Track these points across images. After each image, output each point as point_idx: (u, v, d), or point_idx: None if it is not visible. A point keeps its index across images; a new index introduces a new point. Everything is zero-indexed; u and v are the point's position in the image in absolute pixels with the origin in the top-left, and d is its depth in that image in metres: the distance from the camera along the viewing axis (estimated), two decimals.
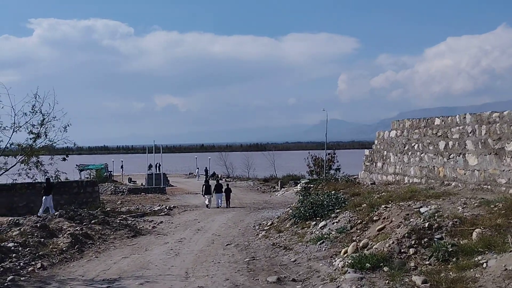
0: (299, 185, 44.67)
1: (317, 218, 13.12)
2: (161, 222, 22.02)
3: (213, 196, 31.29)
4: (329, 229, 11.78)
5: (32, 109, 25.62)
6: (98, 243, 14.64)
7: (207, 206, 30.28)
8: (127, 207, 29.20)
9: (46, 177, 25.89)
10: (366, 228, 10.96)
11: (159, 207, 27.34)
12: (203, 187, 32.16)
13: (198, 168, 64.75)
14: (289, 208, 18.93)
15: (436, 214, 9.45)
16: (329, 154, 47.25)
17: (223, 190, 32.16)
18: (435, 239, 8.46)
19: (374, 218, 11.00)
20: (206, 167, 65.44)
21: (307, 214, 13.42)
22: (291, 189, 43.79)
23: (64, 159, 27.66)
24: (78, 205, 24.28)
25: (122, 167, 75.41)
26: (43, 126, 27.06)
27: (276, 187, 49.56)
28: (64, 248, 12.99)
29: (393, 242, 8.51)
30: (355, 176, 17.73)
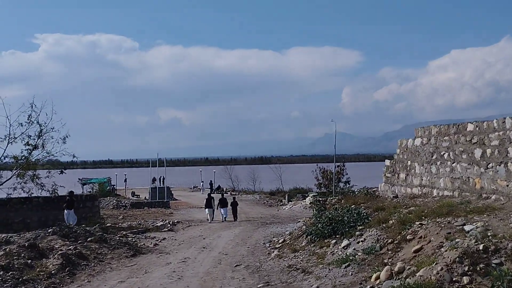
0: (307, 198, 43.20)
1: (337, 236, 11.64)
2: (164, 238, 20.53)
3: (218, 210, 30.79)
4: (354, 249, 10.26)
5: (28, 119, 24.48)
6: (93, 264, 13.15)
7: (208, 220, 29.62)
8: (129, 222, 27.77)
9: (70, 191, 24.86)
10: (398, 249, 9.44)
11: (162, 223, 25.83)
12: (205, 200, 31.40)
13: (202, 182, 63.31)
14: (302, 224, 17.43)
15: (489, 234, 7.96)
16: (338, 166, 45.70)
17: (230, 203, 31.52)
18: (493, 265, 6.98)
19: (408, 237, 9.48)
20: (211, 180, 64.00)
21: (325, 232, 11.91)
22: (299, 202, 42.27)
23: (61, 172, 26.38)
24: (77, 221, 22.94)
25: (125, 180, 74.09)
26: (40, 137, 25.89)
27: (283, 200, 48.03)
28: (53, 271, 11.50)
29: (441, 269, 6.99)
30: (374, 189, 16.22)
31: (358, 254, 9.88)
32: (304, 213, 36.80)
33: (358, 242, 10.67)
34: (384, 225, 10.96)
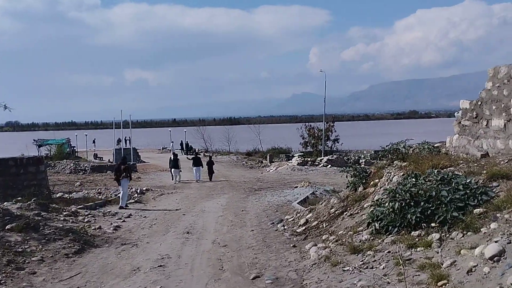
0: (293, 159, 38.49)
1: (432, 226, 6.66)
2: (129, 215, 15.21)
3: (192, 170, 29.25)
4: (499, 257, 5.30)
5: None
6: None
7: (173, 181, 27.92)
8: (86, 191, 22.27)
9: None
10: None
11: None
12: (170, 160, 29.57)
13: (172, 142, 57.65)
14: (331, 197, 12.33)
15: None
16: (327, 123, 40.85)
17: (206, 162, 29.91)
18: None
19: None
20: (181, 140, 58.55)
21: (411, 218, 6.88)
22: (284, 164, 37.45)
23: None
24: (16, 191, 17.42)
25: (94, 142, 68.16)
26: None
27: (264, 161, 43.21)
28: None
29: None
30: (437, 144, 11.15)
31: None
32: (293, 175, 32.05)
33: (489, 240, 5.67)
34: None
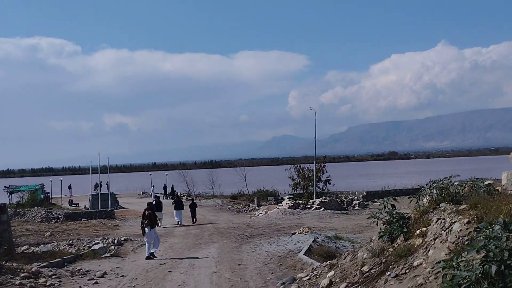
0: (284, 202, 36.11)
1: None
2: (104, 275, 12.60)
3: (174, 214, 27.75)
4: None
5: None
6: None
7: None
8: (55, 243, 19.51)
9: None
10: None
11: (102, 243, 17.72)
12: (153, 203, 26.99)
13: (153, 186, 54.77)
14: (356, 248, 10.04)
15: None
16: (318, 164, 38.75)
17: (189, 205, 28.84)
18: None
19: None
20: (165, 184, 55.82)
21: None
22: (273, 207, 35.02)
23: None
24: None
25: (70, 187, 65.01)
26: None
27: (251, 205, 40.72)
28: None
29: None
30: (488, 182, 9.05)
31: None
32: (285, 220, 29.63)
33: None
34: None
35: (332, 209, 33.10)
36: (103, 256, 15.69)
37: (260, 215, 32.93)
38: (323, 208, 32.84)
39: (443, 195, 8.26)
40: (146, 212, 16.40)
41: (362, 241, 19.25)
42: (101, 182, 50.36)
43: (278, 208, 33.82)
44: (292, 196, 39.05)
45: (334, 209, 33.08)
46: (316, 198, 35.43)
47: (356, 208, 35.48)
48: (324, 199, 34.53)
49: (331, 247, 16.77)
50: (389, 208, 8.84)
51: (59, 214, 34.71)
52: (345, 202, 36.39)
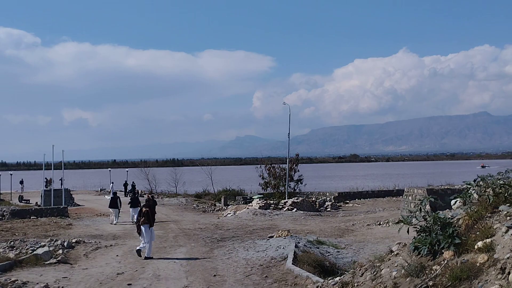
0: (254, 202, 33.83)
1: None
2: None
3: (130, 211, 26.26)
4: None
5: None
6: None
7: (111, 222, 25.78)
8: None
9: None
10: None
11: (48, 246, 14.91)
12: (110, 199, 27.39)
13: (112, 183, 51.46)
14: (373, 264, 7.79)
15: None
16: (290, 163, 36.68)
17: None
18: None
19: None
20: (125, 181, 52.63)
21: None
22: (243, 207, 32.72)
23: None
24: None
25: (21, 182, 60.72)
26: None
27: (217, 204, 38.29)
28: None
29: None
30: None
31: None
32: (256, 221, 27.36)
33: None
34: None
35: (304, 210, 31.11)
36: (48, 262, 12.97)
37: (229, 215, 30.57)
38: (295, 209, 30.81)
39: (506, 195, 6.14)
40: (143, 210, 14.88)
41: (347, 246, 17.21)
42: (51, 178, 46.73)
43: (248, 208, 31.55)
44: (262, 195, 36.91)
45: (307, 210, 31.10)
46: (288, 198, 33.33)
47: (329, 209, 33.63)
48: (297, 199, 32.49)
49: (315, 253, 14.61)
50: (426, 212, 6.66)
51: (4, 211, 31.32)
52: (317, 203, 34.47)
